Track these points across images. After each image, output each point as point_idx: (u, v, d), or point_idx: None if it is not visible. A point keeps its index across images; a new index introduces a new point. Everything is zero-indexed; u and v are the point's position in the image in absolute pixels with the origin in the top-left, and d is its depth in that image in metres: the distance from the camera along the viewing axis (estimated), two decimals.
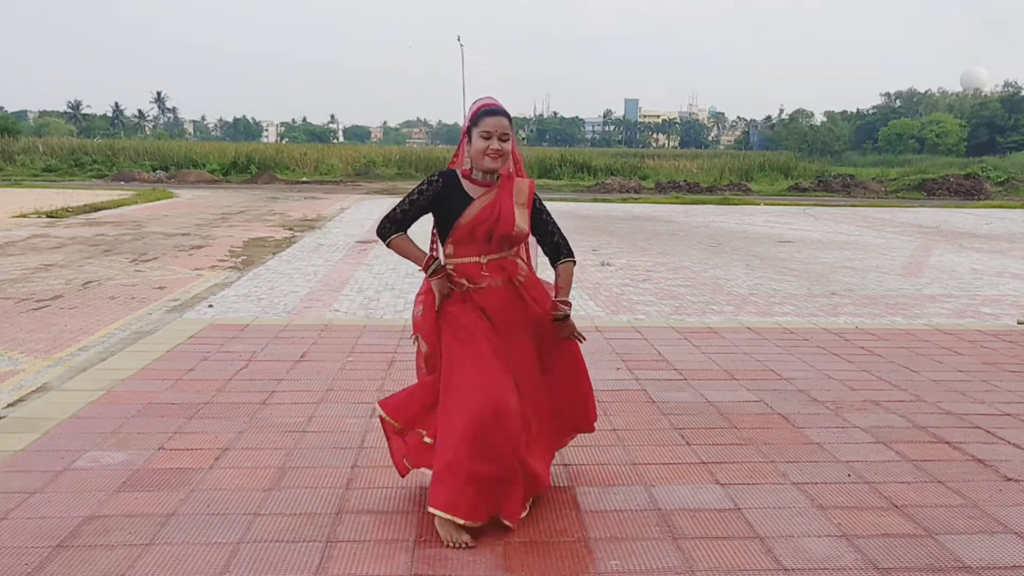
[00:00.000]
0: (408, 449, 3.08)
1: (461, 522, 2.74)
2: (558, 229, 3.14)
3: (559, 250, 3.13)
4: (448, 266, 3.01)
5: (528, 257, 3.20)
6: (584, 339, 3.16)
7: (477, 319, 2.96)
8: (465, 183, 2.99)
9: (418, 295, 3.10)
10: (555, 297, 3.07)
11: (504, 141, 2.91)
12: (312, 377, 4.73)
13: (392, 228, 2.99)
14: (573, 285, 3.19)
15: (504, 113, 2.94)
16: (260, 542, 2.77)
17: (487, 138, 2.89)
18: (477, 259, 2.98)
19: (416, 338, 3.09)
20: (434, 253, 3.05)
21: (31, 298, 7.20)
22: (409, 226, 3.03)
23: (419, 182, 3.04)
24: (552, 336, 3.10)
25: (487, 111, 2.92)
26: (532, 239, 3.18)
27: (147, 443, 3.64)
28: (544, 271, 3.19)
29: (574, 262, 3.16)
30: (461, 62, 34.67)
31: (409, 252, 3.02)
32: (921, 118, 69.86)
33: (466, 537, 2.76)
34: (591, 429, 3.35)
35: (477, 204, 2.95)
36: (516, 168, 3.08)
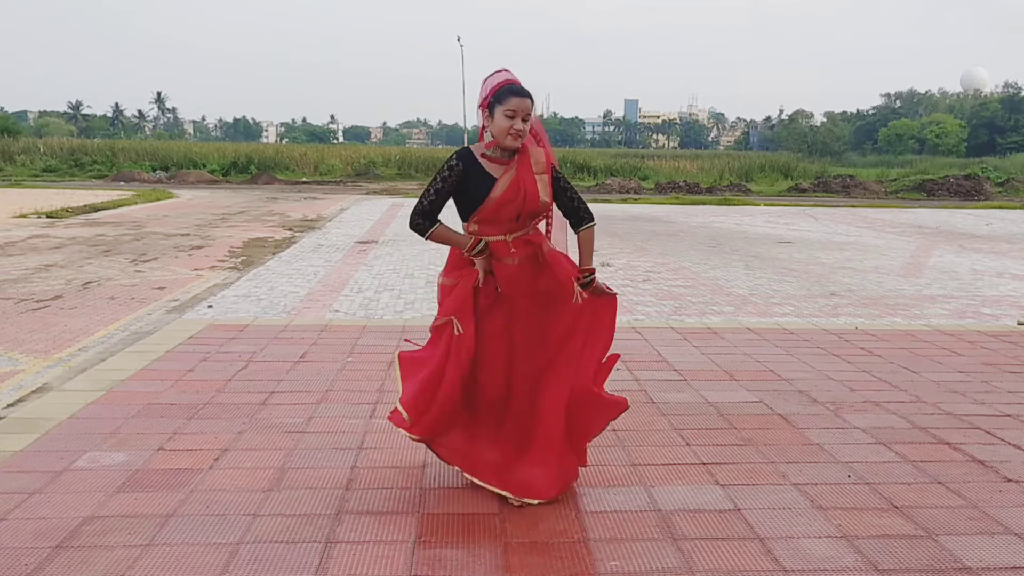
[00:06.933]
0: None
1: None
2: (577, 195, 3.16)
3: (580, 216, 3.16)
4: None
5: (549, 232, 3.23)
6: (614, 292, 3.18)
7: (498, 321, 3.03)
8: (484, 162, 3.00)
9: (445, 275, 3.12)
10: (580, 266, 3.11)
11: (525, 122, 2.93)
12: (312, 377, 4.73)
13: (426, 222, 3.00)
14: None
15: (529, 94, 2.95)
16: (260, 543, 2.77)
17: (511, 117, 2.90)
18: (503, 238, 3.01)
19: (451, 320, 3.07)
20: (470, 232, 3.04)
21: (31, 298, 7.20)
22: (439, 214, 3.05)
23: (439, 169, 3.03)
24: (567, 313, 3.08)
25: (513, 90, 2.93)
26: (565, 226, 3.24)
27: (147, 443, 3.64)
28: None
29: (594, 224, 3.19)
30: (461, 62, 34.66)
31: (452, 239, 3.04)
32: (921, 119, 69.82)
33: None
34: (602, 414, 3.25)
35: (501, 184, 2.96)
36: (540, 143, 3.10)
